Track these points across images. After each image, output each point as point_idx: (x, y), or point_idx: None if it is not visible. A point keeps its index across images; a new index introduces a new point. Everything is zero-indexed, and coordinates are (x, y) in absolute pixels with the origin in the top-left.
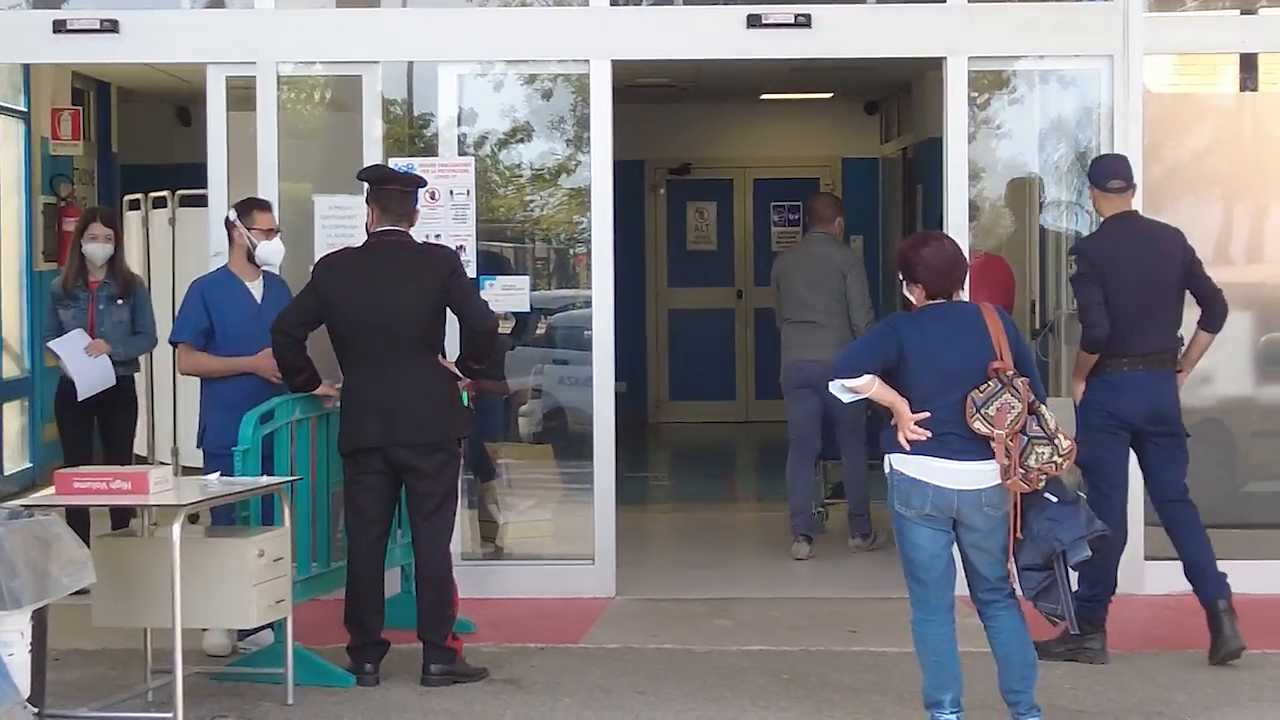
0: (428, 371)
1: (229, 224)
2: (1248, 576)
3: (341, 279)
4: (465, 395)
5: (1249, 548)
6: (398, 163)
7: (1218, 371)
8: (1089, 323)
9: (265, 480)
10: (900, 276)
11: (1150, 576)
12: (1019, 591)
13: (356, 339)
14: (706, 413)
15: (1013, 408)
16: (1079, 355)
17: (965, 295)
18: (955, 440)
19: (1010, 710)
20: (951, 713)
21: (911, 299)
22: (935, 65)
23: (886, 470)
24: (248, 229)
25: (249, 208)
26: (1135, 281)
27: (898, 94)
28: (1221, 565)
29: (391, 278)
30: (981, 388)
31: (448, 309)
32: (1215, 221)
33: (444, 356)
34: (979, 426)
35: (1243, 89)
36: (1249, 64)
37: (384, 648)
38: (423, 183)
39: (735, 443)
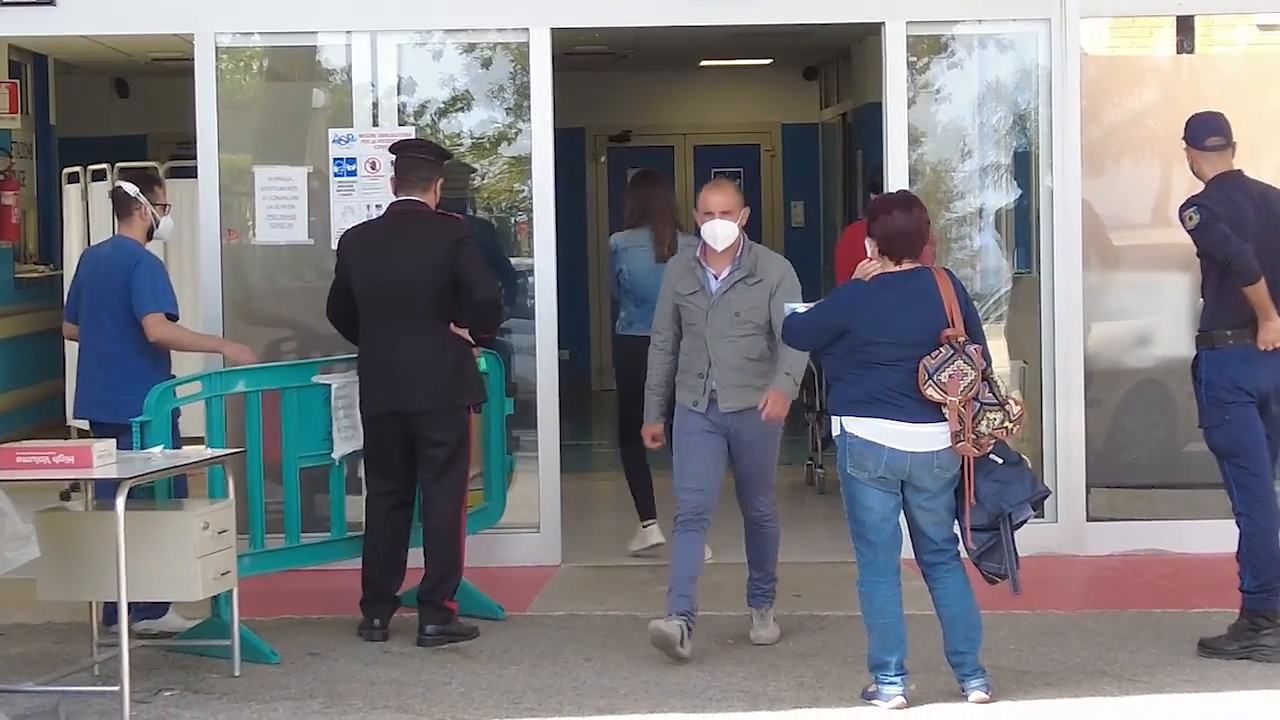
0: (437, 339)
1: (128, 198)
2: (1189, 536)
3: (357, 250)
4: (483, 363)
5: (1190, 508)
6: (339, 133)
7: (1157, 333)
8: (1235, 252)
9: (209, 453)
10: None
11: (1092, 538)
12: (966, 553)
13: (369, 307)
14: None
15: (965, 375)
16: (1252, 293)
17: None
18: (908, 403)
19: (955, 672)
20: (897, 675)
21: (869, 251)
22: (874, 30)
23: (836, 432)
24: (151, 204)
25: (150, 182)
26: (1253, 244)
27: (837, 59)
28: (1163, 525)
29: (401, 248)
30: (933, 354)
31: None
32: (1153, 182)
33: (457, 325)
34: (931, 393)
35: (1179, 51)
36: (1185, 26)
37: (394, 605)
38: (446, 154)
39: None
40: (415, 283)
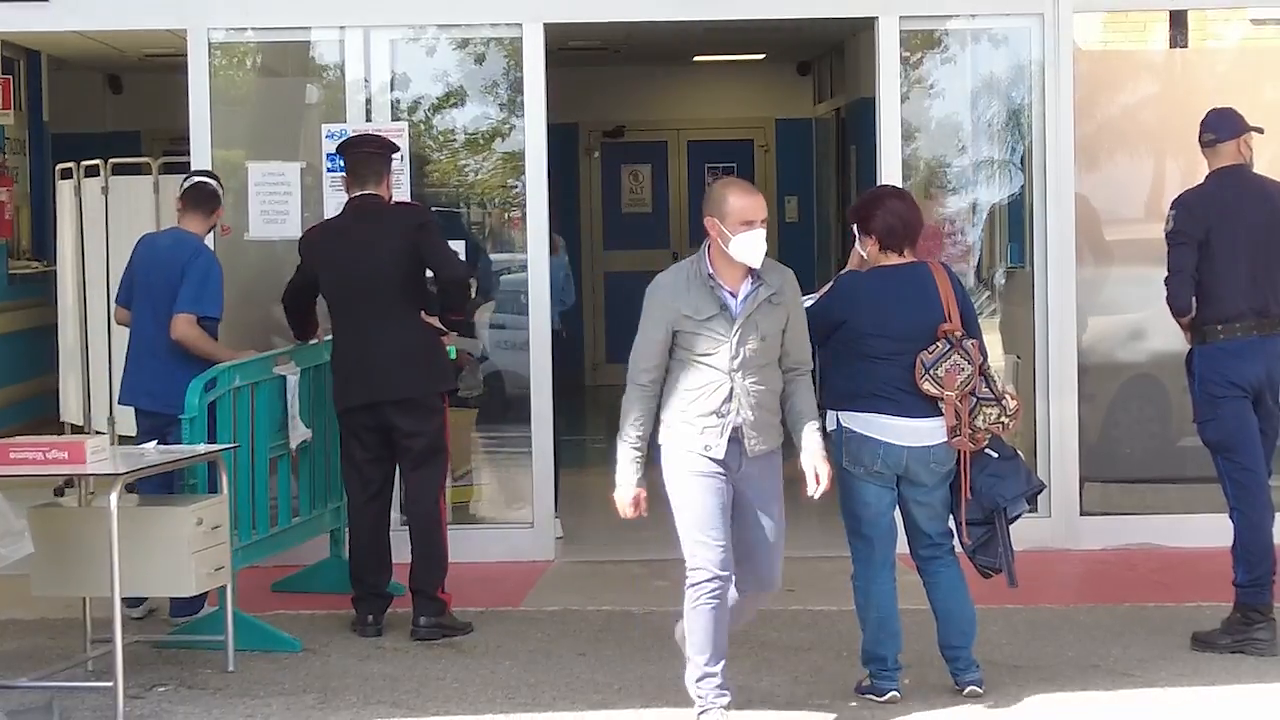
0: (407, 329)
1: (214, 195)
2: (1182, 530)
3: (321, 248)
4: (453, 350)
5: (1184, 502)
6: (332, 129)
7: (1150, 327)
8: (1168, 292)
9: (202, 448)
10: (854, 230)
11: (1086, 532)
12: (961, 547)
13: (338, 302)
14: None
15: (962, 369)
16: (1177, 320)
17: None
18: (905, 398)
19: (949, 666)
20: (891, 669)
21: (863, 253)
22: (867, 25)
23: (832, 427)
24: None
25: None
26: (1245, 239)
27: (830, 54)
28: (1156, 519)
29: (363, 240)
30: (930, 349)
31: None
32: (1147, 177)
33: (426, 312)
34: (928, 387)
35: (1173, 46)
36: (1178, 21)
37: (386, 601)
38: (394, 147)
39: None
40: (382, 273)
